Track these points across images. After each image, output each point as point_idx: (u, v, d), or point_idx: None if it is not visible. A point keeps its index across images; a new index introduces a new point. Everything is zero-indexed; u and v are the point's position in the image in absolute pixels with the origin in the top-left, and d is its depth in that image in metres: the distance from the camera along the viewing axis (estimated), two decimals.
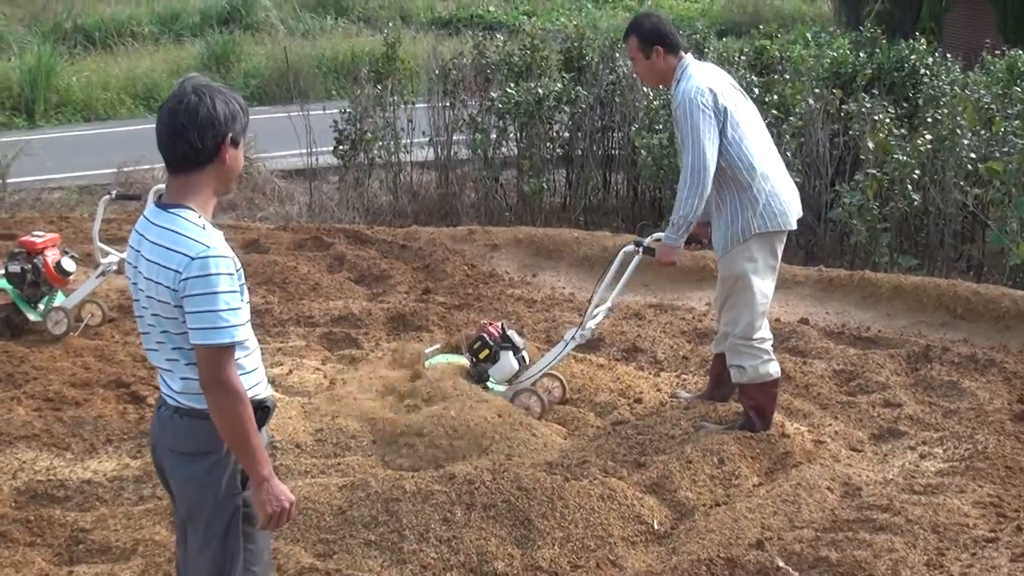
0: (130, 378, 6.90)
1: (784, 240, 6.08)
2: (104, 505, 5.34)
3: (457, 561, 4.87)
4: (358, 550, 4.91)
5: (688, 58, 5.95)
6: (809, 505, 5.30)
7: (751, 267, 5.88)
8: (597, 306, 6.49)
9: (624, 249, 6.37)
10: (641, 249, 6.22)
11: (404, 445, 5.76)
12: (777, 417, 6.14)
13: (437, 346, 6.90)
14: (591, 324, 6.43)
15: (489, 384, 6.44)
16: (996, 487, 5.51)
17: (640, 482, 5.46)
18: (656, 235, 6.22)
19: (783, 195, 5.93)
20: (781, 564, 4.74)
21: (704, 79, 5.80)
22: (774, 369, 5.99)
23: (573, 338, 6.36)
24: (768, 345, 6.00)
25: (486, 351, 6.38)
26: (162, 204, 3.45)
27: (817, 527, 5.12)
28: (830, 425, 6.35)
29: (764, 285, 5.95)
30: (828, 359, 7.37)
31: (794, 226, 6.04)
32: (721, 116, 5.74)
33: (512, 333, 6.51)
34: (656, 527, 5.18)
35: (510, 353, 6.43)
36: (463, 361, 6.58)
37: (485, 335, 6.42)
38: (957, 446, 6.06)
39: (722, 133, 5.74)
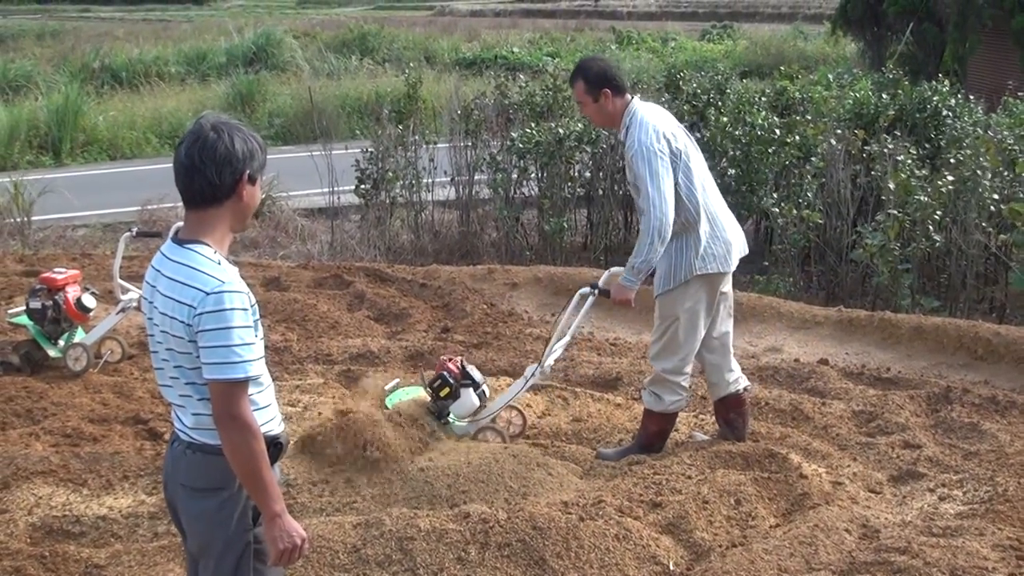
0: (148, 414, 6.91)
1: (728, 279, 6.25)
2: (119, 541, 5.34)
3: None
4: None
5: (636, 101, 6.08)
6: (827, 547, 5.24)
7: (689, 307, 6.07)
8: (555, 344, 6.60)
9: (580, 291, 6.52)
10: (596, 291, 6.35)
11: (423, 482, 5.74)
12: (795, 458, 6.12)
13: (397, 380, 6.88)
14: (550, 361, 6.52)
15: (450, 419, 6.45)
16: (1016, 530, 5.44)
17: (656, 522, 5.42)
18: (613, 269, 6.45)
19: (725, 237, 6.11)
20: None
21: (658, 123, 5.94)
22: (683, 405, 6.36)
23: (533, 374, 6.46)
24: (688, 381, 6.28)
25: (447, 389, 6.38)
26: (178, 240, 3.46)
27: (834, 569, 5.07)
28: (848, 466, 6.29)
29: (700, 325, 6.14)
30: (847, 400, 7.33)
31: (733, 267, 6.22)
32: (677, 160, 5.90)
33: (472, 369, 6.54)
34: (672, 568, 5.14)
35: (471, 390, 6.45)
36: (422, 394, 6.57)
37: (446, 372, 6.42)
38: (977, 488, 6.00)
39: (675, 177, 5.87)
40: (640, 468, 6.04)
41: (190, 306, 3.32)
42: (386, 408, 6.47)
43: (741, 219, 11.04)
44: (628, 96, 6.10)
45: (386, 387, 6.74)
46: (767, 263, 10.65)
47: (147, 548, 5.18)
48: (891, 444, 6.59)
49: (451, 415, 6.46)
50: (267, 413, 3.53)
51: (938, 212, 9.46)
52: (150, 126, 20.03)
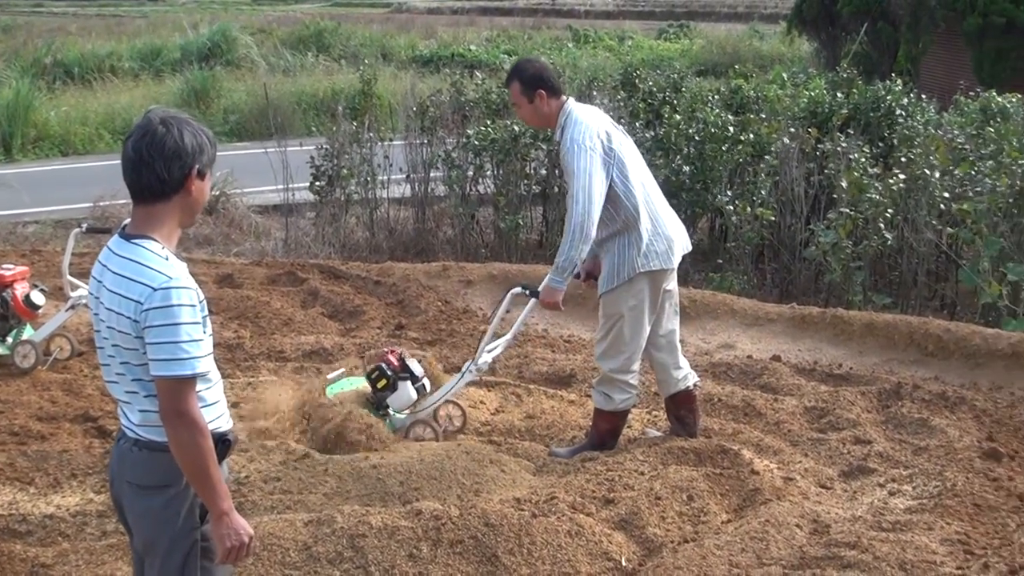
0: (97, 412, 6.84)
1: (672, 276, 6.24)
2: (66, 540, 5.28)
3: None
4: None
5: (571, 102, 6.10)
6: (778, 542, 5.27)
7: (634, 305, 6.09)
8: (491, 341, 6.62)
9: (512, 291, 6.53)
10: (528, 292, 6.37)
11: (375, 479, 5.72)
12: (747, 454, 6.16)
13: (341, 370, 6.87)
14: (487, 358, 6.54)
15: (390, 412, 6.47)
16: (964, 524, 5.49)
17: (608, 518, 5.43)
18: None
19: (666, 233, 6.12)
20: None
21: (591, 124, 5.96)
22: (632, 403, 6.37)
23: (468, 371, 6.48)
24: (636, 379, 6.28)
25: (384, 380, 6.40)
26: (126, 235, 3.42)
27: (785, 564, 5.09)
28: (800, 462, 6.33)
29: (645, 323, 6.16)
30: (799, 396, 7.37)
31: (676, 264, 6.21)
32: (611, 160, 5.92)
33: (412, 362, 6.55)
34: (624, 564, 5.14)
35: (408, 383, 6.47)
36: (366, 385, 6.57)
37: (384, 364, 6.43)
38: (926, 483, 6.05)
39: (611, 176, 5.91)
40: (593, 464, 6.05)
41: (137, 302, 3.29)
42: (327, 397, 6.49)
43: (695, 216, 11.12)
44: (563, 97, 6.12)
45: (329, 376, 6.73)
46: (721, 260, 10.70)
47: (95, 547, 5.12)
48: (842, 440, 6.64)
49: (390, 407, 6.48)
50: (215, 410, 3.50)
51: (890, 210, 9.54)
52: (103, 122, 19.83)
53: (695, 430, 6.46)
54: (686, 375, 6.43)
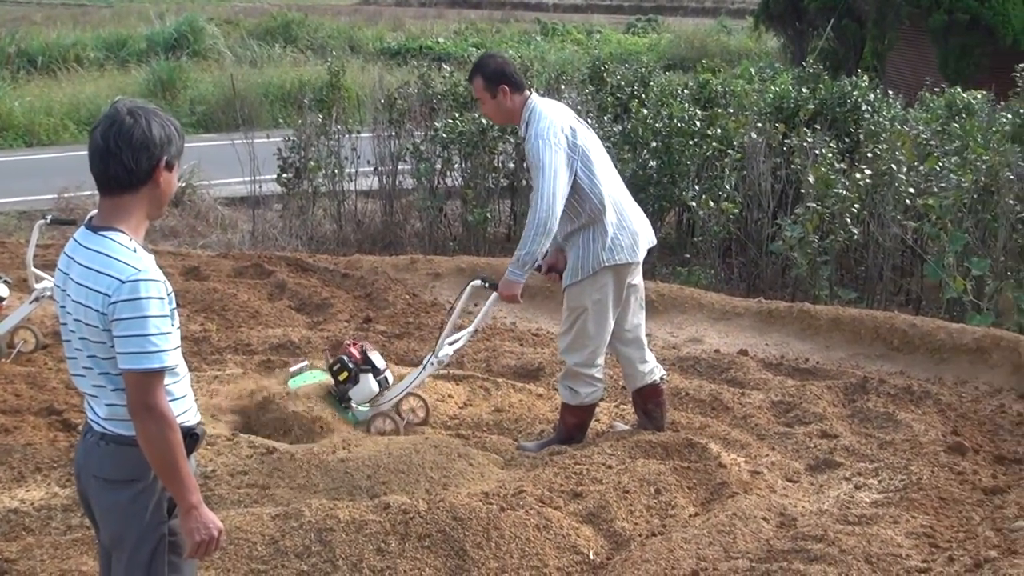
0: (62, 405, 6.78)
1: (637, 270, 6.27)
2: (30, 535, 5.23)
3: None
4: None
5: (534, 96, 6.12)
6: (745, 535, 5.30)
7: (598, 298, 6.11)
8: (452, 334, 6.62)
9: (472, 283, 6.53)
10: (487, 284, 6.38)
11: (343, 473, 5.71)
12: (715, 447, 6.19)
13: (305, 363, 6.86)
14: (448, 351, 6.57)
15: (352, 405, 6.48)
16: (929, 518, 5.54)
17: (576, 512, 5.44)
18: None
19: (632, 228, 6.15)
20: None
21: (555, 119, 5.95)
22: (598, 396, 6.37)
23: (430, 363, 6.49)
24: (601, 372, 6.29)
25: (345, 373, 6.41)
26: (92, 226, 3.39)
27: (752, 557, 5.12)
28: (767, 456, 6.36)
29: (609, 317, 6.18)
30: (766, 390, 7.40)
31: (641, 258, 6.25)
32: (575, 155, 5.93)
33: (374, 355, 6.56)
34: (592, 557, 5.16)
35: (370, 375, 6.46)
36: (327, 379, 6.57)
37: (345, 357, 6.43)
38: (892, 477, 6.09)
39: (575, 171, 5.93)
40: (561, 458, 6.06)
41: (105, 294, 3.26)
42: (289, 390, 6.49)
43: (663, 211, 11.14)
44: (527, 92, 6.12)
45: (291, 368, 6.71)
46: (688, 255, 10.73)
47: (60, 541, 5.08)
48: (809, 434, 6.67)
49: (352, 400, 6.49)
50: (183, 404, 3.48)
51: (856, 205, 9.59)
52: (68, 112, 19.65)
53: (662, 424, 6.49)
54: (652, 369, 6.44)
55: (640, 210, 6.36)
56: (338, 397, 6.47)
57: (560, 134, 5.89)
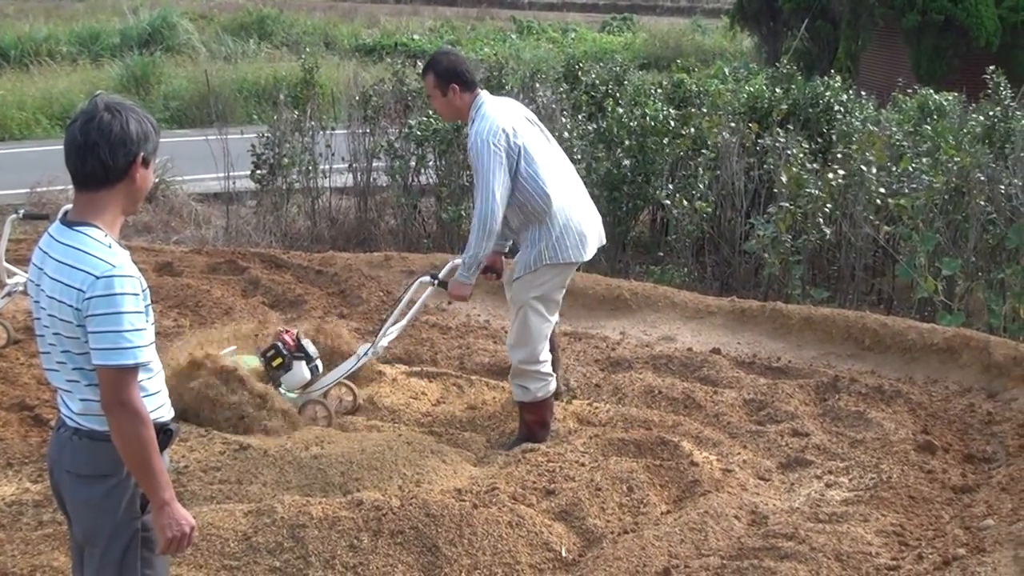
0: (34, 401, 6.75)
1: (575, 268, 6.40)
2: (1, 530, 5.21)
3: None
4: None
5: (483, 95, 6.18)
6: (716, 533, 5.33)
7: (537, 295, 6.20)
8: (390, 327, 6.74)
9: (420, 280, 6.63)
10: (436, 282, 6.50)
11: (316, 469, 5.71)
12: (687, 445, 6.22)
13: (233, 348, 6.86)
14: (383, 343, 6.67)
15: (282, 391, 6.50)
16: (899, 516, 5.59)
17: (549, 509, 5.46)
18: (455, 261, 6.47)
19: (579, 227, 6.21)
20: None
21: (499, 118, 6.00)
22: (552, 388, 6.44)
23: (365, 354, 6.58)
24: (548, 367, 6.36)
25: (279, 359, 6.43)
26: (67, 221, 3.39)
27: (723, 555, 5.15)
28: (739, 454, 6.40)
29: (548, 313, 6.29)
30: (739, 388, 7.44)
31: (587, 257, 6.34)
32: (515, 154, 5.97)
33: (307, 343, 6.59)
34: (564, 555, 5.18)
35: (303, 363, 6.49)
36: (257, 364, 6.59)
37: (280, 343, 6.46)
38: (862, 475, 6.14)
39: (517, 170, 5.98)
40: (534, 456, 6.08)
41: (79, 290, 3.26)
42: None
43: (637, 209, 11.16)
44: (476, 91, 6.17)
45: (221, 353, 6.70)
46: (662, 253, 10.76)
47: (31, 536, 5.07)
48: (780, 432, 6.71)
49: (283, 386, 6.51)
50: (157, 400, 3.49)
51: (828, 205, 9.64)
52: (40, 107, 19.54)
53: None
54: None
55: (594, 209, 6.44)
56: (269, 382, 6.49)
57: (500, 134, 5.93)
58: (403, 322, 6.81)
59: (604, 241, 6.50)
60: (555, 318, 6.41)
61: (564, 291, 6.38)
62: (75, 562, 3.68)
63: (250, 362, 6.68)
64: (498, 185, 5.89)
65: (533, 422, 6.43)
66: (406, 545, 5.03)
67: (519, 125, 6.08)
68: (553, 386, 6.45)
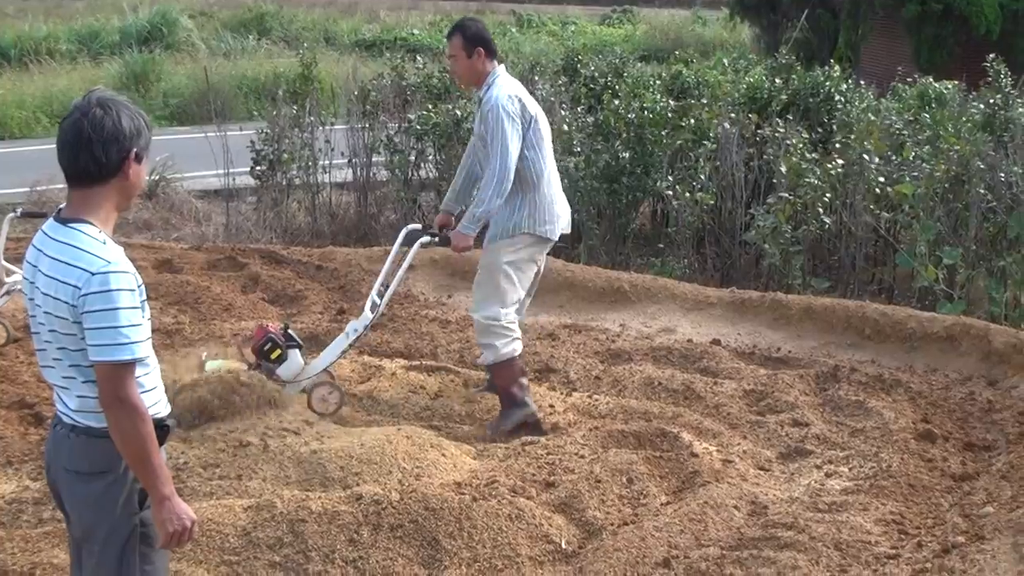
0: (34, 399, 6.75)
1: (546, 249, 6.74)
2: (1, 528, 5.20)
3: None
4: (262, 572, 4.84)
5: (500, 68, 6.57)
6: (716, 523, 5.34)
7: (511, 260, 6.52)
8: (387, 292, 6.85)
9: (420, 241, 6.69)
10: (437, 240, 6.67)
11: (316, 464, 5.71)
12: (687, 436, 6.22)
13: (204, 353, 6.82)
14: (383, 308, 6.80)
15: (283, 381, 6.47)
16: (899, 505, 5.59)
17: (549, 501, 5.46)
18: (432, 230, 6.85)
19: (556, 209, 6.61)
20: None
21: (514, 89, 6.47)
22: (518, 347, 6.60)
23: (356, 330, 6.57)
24: (516, 326, 6.61)
25: (278, 350, 6.43)
26: (61, 218, 3.39)
27: (723, 545, 5.15)
28: (739, 444, 6.40)
29: (518, 281, 6.59)
30: (739, 379, 7.43)
31: (556, 238, 6.71)
32: (526, 124, 6.40)
33: (292, 331, 6.63)
34: (564, 546, 5.18)
35: (297, 351, 6.52)
36: (237, 364, 6.55)
37: (273, 335, 6.45)
38: (862, 465, 6.14)
39: (524, 138, 6.38)
40: (533, 448, 6.09)
41: (75, 287, 3.26)
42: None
43: (636, 202, 11.14)
44: (496, 62, 6.54)
45: (203, 355, 6.66)
46: (662, 245, 10.75)
47: (31, 534, 5.07)
48: (780, 422, 6.71)
49: (283, 377, 6.47)
50: (154, 395, 3.49)
51: (828, 195, 9.63)
52: (40, 105, 19.54)
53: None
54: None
55: (565, 199, 6.85)
56: (266, 374, 6.42)
57: (516, 101, 6.35)
58: (392, 285, 6.88)
59: (569, 230, 6.93)
60: (523, 291, 6.67)
61: (536, 269, 6.71)
62: (73, 559, 3.68)
63: (227, 364, 6.60)
64: (513, 146, 6.27)
65: (509, 382, 6.55)
66: (406, 539, 5.03)
67: (529, 100, 6.50)
68: (520, 346, 6.62)
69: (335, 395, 6.48)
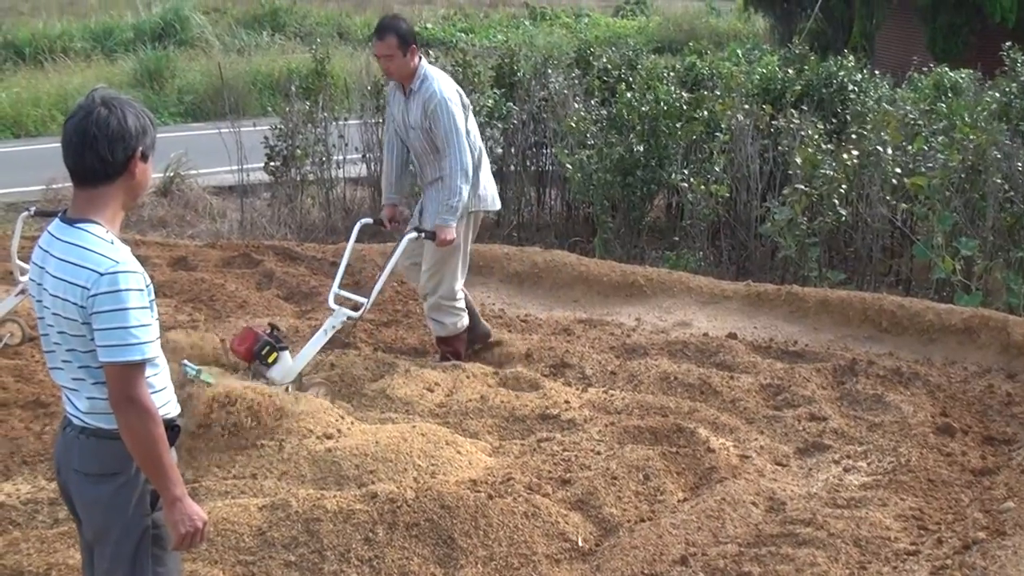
0: (49, 398, 6.74)
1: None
2: (17, 528, 5.21)
3: None
4: (278, 572, 4.82)
5: (424, 60, 7.02)
6: (733, 520, 5.30)
7: (464, 237, 7.13)
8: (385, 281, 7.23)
9: (408, 236, 6.98)
10: (423, 235, 6.97)
11: (330, 463, 5.68)
12: (703, 432, 6.18)
13: (184, 360, 6.78)
14: (375, 297, 7.05)
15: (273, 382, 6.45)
16: (918, 500, 5.54)
17: (565, 499, 5.43)
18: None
19: (490, 185, 7.35)
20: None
21: (448, 81, 7.01)
22: (465, 322, 7.38)
23: (349, 318, 6.81)
24: (462, 304, 7.32)
25: (274, 353, 6.44)
26: (67, 219, 3.37)
27: (741, 542, 5.12)
28: (756, 439, 6.36)
29: (465, 255, 7.24)
30: (755, 373, 7.39)
31: (493, 211, 7.64)
32: (464, 112, 6.96)
33: (277, 332, 6.65)
34: (580, 544, 5.15)
35: (287, 352, 6.55)
36: (217, 370, 6.47)
37: (268, 338, 6.43)
38: (881, 459, 6.09)
39: (465, 126, 6.91)
40: (549, 445, 6.05)
41: (84, 287, 3.24)
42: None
43: (651, 194, 11.10)
44: (420, 55, 7.01)
45: (183, 362, 6.61)
46: (677, 238, 10.70)
47: (47, 535, 5.06)
48: (797, 417, 6.67)
49: (276, 378, 6.46)
50: (164, 396, 3.47)
51: (843, 186, 9.57)
52: (55, 103, 19.53)
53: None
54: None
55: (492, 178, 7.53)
56: (257, 378, 6.41)
57: (456, 93, 6.92)
58: (384, 273, 7.05)
59: (499, 206, 7.66)
60: (467, 264, 7.32)
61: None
62: (85, 561, 3.66)
63: (212, 370, 6.54)
64: (464, 136, 6.82)
65: (448, 352, 7.39)
66: (421, 537, 5.01)
67: (459, 88, 7.07)
68: (465, 320, 7.35)
69: (326, 393, 6.54)
